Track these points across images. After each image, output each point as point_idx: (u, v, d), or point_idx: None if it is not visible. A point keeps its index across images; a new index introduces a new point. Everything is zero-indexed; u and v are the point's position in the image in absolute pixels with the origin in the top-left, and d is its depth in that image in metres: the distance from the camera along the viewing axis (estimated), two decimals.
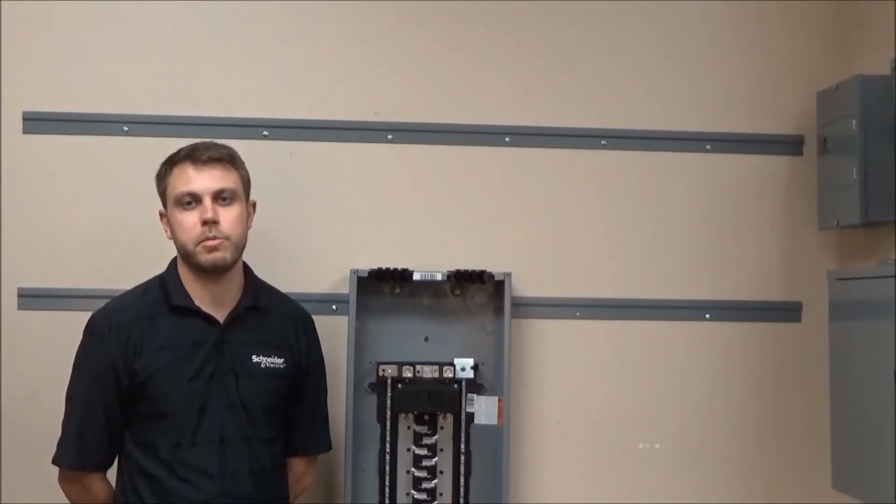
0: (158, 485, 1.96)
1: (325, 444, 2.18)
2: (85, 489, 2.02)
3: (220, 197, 1.99)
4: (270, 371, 2.04)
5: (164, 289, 2.03)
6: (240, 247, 2.03)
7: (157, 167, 2.06)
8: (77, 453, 1.99)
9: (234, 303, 2.04)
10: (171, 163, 2.03)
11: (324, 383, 2.19)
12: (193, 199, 1.98)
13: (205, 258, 1.97)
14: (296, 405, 2.12)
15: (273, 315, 2.10)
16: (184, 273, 2.03)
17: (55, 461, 2.01)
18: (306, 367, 2.13)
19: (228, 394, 1.99)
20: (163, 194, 2.04)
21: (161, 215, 2.06)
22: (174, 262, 2.07)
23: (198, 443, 1.97)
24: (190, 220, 1.97)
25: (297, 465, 2.15)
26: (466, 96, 2.43)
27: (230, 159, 2.04)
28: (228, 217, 1.99)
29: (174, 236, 2.01)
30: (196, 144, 2.04)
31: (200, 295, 2.02)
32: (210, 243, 1.97)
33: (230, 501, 1.97)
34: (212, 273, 1.99)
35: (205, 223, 1.96)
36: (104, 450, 2.00)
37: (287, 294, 2.25)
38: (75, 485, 2.02)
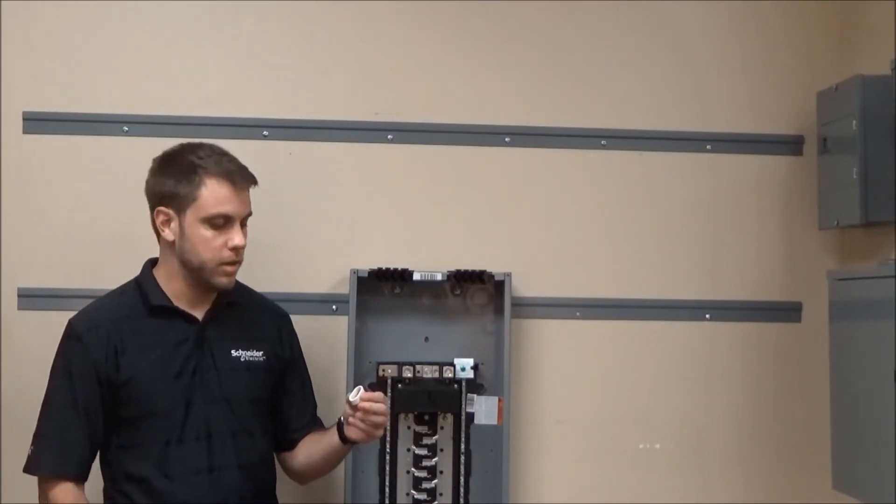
0: (148, 486, 1.95)
1: (322, 426, 2.18)
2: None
3: (243, 221, 2.01)
4: (251, 364, 2.05)
5: (141, 291, 2.02)
6: None
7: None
8: (57, 457, 1.95)
9: (210, 301, 2.04)
10: (198, 170, 1.96)
11: (308, 377, 2.19)
12: (225, 221, 1.97)
13: (220, 280, 1.99)
14: (287, 402, 2.13)
15: (249, 310, 2.11)
16: (160, 274, 2.03)
17: (30, 469, 1.96)
18: (288, 360, 2.13)
19: (212, 389, 2.00)
20: (179, 198, 1.96)
21: (161, 214, 1.99)
22: (149, 264, 2.06)
23: (185, 439, 1.97)
24: (218, 241, 1.96)
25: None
26: (466, 96, 2.43)
27: (254, 181, 2.04)
28: (246, 240, 2.01)
29: (189, 247, 1.97)
30: (231, 161, 2.00)
31: (178, 295, 2.01)
32: (230, 269, 1.99)
33: (220, 496, 1.97)
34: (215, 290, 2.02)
35: (234, 249, 1.97)
36: (85, 455, 1.97)
37: (286, 294, 2.27)
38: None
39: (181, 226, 1.97)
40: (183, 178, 1.97)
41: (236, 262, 2.00)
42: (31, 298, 2.30)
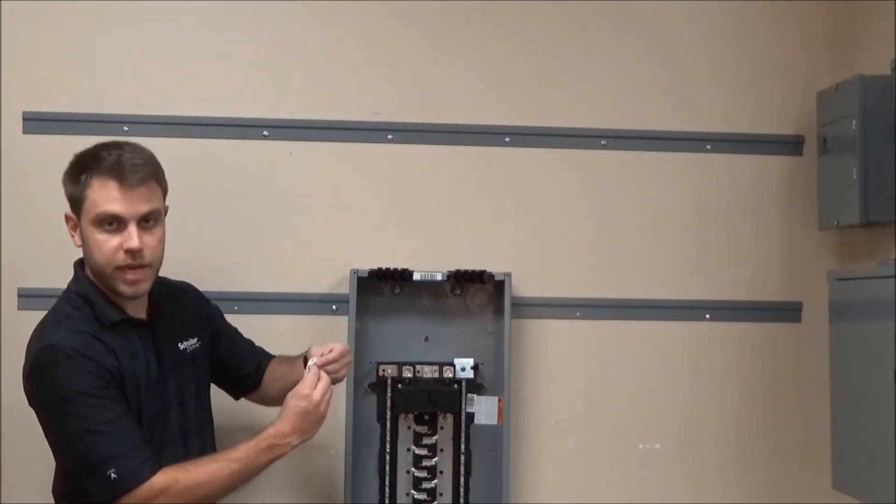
0: None
1: (268, 354, 2.20)
2: (184, 483, 1.82)
3: (144, 220, 1.85)
4: (194, 353, 2.03)
5: (92, 305, 1.87)
6: (158, 269, 1.92)
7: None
8: (145, 457, 1.81)
9: (145, 302, 1.96)
10: (88, 169, 1.84)
11: (234, 328, 2.19)
12: (117, 222, 1.83)
13: (125, 289, 1.86)
14: (236, 357, 2.15)
15: (173, 299, 2.04)
16: (101, 283, 1.90)
17: (129, 485, 1.78)
18: (216, 326, 2.13)
19: (178, 389, 1.97)
20: (75, 201, 1.86)
21: (68, 219, 1.90)
22: (82, 271, 1.93)
23: (164, 443, 1.91)
24: (111, 244, 1.83)
25: (274, 369, 2.18)
26: (466, 96, 2.43)
27: (155, 176, 1.89)
28: (152, 242, 1.86)
29: (88, 252, 1.87)
30: (120, 156, 1.84)
31: (123, 302, 1.91)
32: (131, 276, 1.85)
33: None
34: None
35: (129, 252, 1.83)
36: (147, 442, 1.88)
37: (286, 294, 2.30)
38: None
39: (81, 230, 1.87)
40: (74, 180, 1.87)
41: (138, 267, 1.85)
42: (31, 298, 2.30)
